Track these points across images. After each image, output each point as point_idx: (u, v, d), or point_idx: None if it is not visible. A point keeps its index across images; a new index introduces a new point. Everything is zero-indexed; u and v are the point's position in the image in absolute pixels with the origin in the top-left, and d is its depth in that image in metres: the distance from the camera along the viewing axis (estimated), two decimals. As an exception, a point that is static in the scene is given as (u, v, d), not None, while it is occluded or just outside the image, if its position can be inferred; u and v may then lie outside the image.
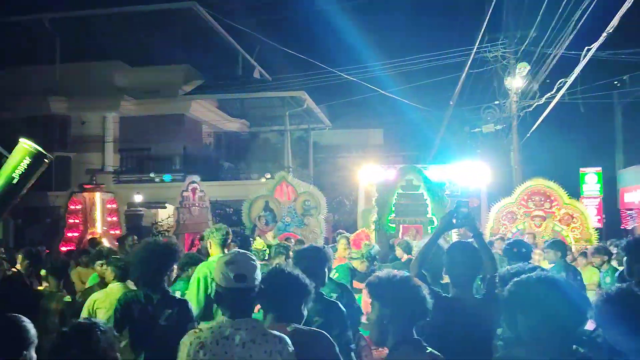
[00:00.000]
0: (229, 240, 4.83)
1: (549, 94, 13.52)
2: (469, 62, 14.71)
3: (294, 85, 19.14)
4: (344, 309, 3.31)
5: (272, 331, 2.36)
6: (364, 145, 25.16)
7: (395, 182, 12.32)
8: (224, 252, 4.68)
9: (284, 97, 19.90)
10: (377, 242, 11.26)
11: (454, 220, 3.20)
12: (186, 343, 2.32)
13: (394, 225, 11.89)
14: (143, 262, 3.47)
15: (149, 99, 18.77)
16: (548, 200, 12.28)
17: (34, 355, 2.08)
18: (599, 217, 16.22)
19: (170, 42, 19.07)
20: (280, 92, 19.68)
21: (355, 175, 13.71)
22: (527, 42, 14.66)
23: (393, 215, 12.04)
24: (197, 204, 13.40)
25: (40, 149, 4.74)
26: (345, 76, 16.61)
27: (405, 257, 7.00)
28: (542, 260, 6.60)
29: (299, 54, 16.20)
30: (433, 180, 12.14)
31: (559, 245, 6.44)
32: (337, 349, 2.51)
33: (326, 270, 3.31)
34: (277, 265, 2.74)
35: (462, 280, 3.16)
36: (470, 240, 3.29)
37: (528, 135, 15.76)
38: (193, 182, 13.70)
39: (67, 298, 4.84)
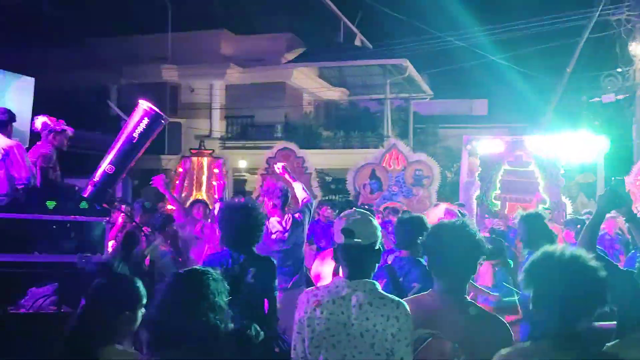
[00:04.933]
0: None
1: (682, 60, 12.16)
2: (590, 26, 13.54)
3: (396, 53, 18.70)
4: None
5: (390, 295, 2.27)
6: (467, 115, 24.22)
7: (501, 157, 11.76)
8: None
9: (384, 65, 19.51)
10: (479, 217, 10.86)
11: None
12: (303, 300, 2.31)
13: (498, 202, 11.40)
14: (227, 223, 3.50)
15: (253, 67, 19.20)
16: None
17: (140, 317, 2.20)
18: None
19: (273, 9, 19.30)
20: (381, 59, 19.32)
21: (458, 146, 13.20)
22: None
23: (498, 191, 11.54)
24: (292, 170, 13.51)
25: (157, 109, 4.96)
26: (451, 40, 15.92)
27: None
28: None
29: (402, 17, 15.70)
30: (546, 155, 11.46)
31: None
32: (512, 340, 2.27)
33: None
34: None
35: None
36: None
37: (654, 106, 14.34)
38: (284, 148, 13.79)
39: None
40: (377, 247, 2.32)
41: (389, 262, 3.84)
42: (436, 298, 2.35)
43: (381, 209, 10.93)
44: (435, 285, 2.40)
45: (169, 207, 11.49)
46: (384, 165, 13.06)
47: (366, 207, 9.70)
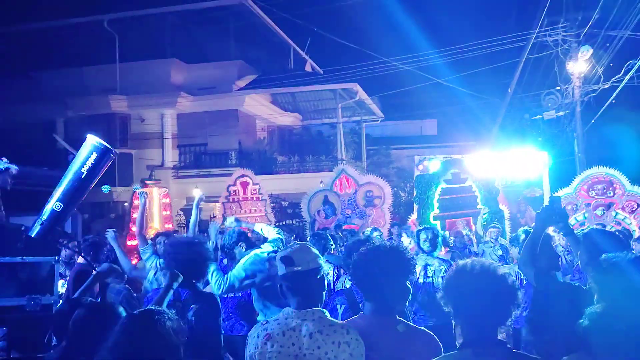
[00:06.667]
0: None
1: (615, 77, 12.89)
2: (529, 47, 14.19)
3: (346, 78, 19.06)
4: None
5: (340, 322, 2.30)
6: (418, 136, 24.82)
7: (437, 176, 11.96)
8: None
9: (335, 90, 19.86)
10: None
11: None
12: (253, 335, 2.30)
13: (437, 222, 11.52)
14: (171, 258, 3.48)
15: (204, 95, 19.16)
16: (611, 188, 11.69)
17: None
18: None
19: (224, 38, 19.40)
20: (332, 84, 19.64)
21: (410, 166, 13.49)
22: (589, 24, 14.01)
23: (437, 211, 11.71)
24: (250, 198, 13.52)
25: (106, 144, 4.89)
26: (398, 64, 16.37)
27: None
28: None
29: (350, 44, 16.09)
30: (480, 171, 11.80)
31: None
32: (441, 351, 2.29)
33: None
34: (374, 242, 2.60)
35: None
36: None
37: (592, 121, 15.08)
38: (242, 175, 13.81)
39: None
40: (319, 275, 2.31)
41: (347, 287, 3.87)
42: (367, 320, 2.37)
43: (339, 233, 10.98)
44: (365, 307, 2.43)
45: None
46: (335, 190, 13.26)
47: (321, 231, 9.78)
